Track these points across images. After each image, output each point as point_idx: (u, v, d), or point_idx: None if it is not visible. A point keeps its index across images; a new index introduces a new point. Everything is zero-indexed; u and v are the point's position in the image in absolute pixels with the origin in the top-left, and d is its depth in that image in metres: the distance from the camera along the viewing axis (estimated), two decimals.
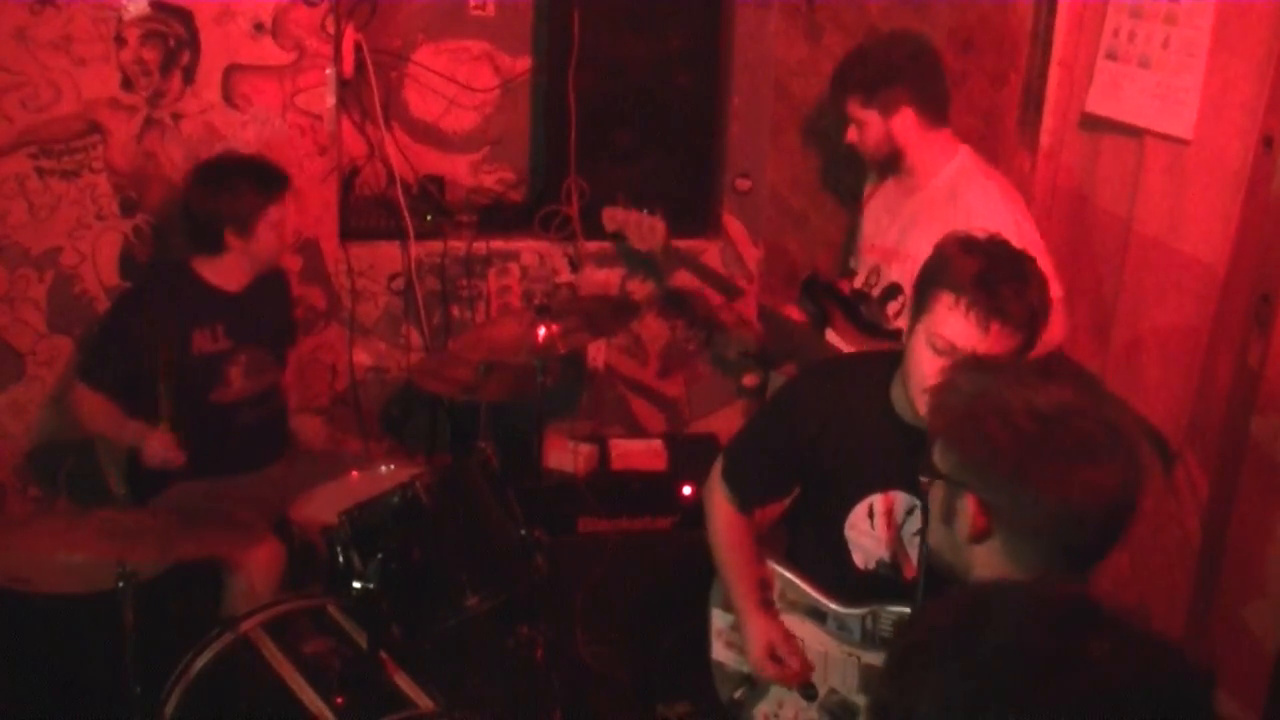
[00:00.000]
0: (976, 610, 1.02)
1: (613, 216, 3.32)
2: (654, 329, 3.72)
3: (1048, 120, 3.13)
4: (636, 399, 3.77)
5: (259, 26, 3.10)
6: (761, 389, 3.74)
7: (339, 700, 2.21)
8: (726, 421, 3.73)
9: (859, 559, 2.24)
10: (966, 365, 1.69)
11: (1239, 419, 2.34)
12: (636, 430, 3.75)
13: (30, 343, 3.16)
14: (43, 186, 3.05)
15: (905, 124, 2.79)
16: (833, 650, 2.20)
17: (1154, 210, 2.62)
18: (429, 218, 3.48)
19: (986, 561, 1.45)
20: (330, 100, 3.21)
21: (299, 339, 3.31)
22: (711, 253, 3.64)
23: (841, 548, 2.24)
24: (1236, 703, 2.33)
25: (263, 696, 2.26)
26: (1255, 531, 2.32)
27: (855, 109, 2.84)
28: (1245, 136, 2.33)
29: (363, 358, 3.53)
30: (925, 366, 1.95)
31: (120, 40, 3.00)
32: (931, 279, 1.98)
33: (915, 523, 2.15)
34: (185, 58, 3.07)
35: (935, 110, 2.81)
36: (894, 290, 2.84)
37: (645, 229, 3.26)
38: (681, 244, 3.42)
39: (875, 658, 2.14)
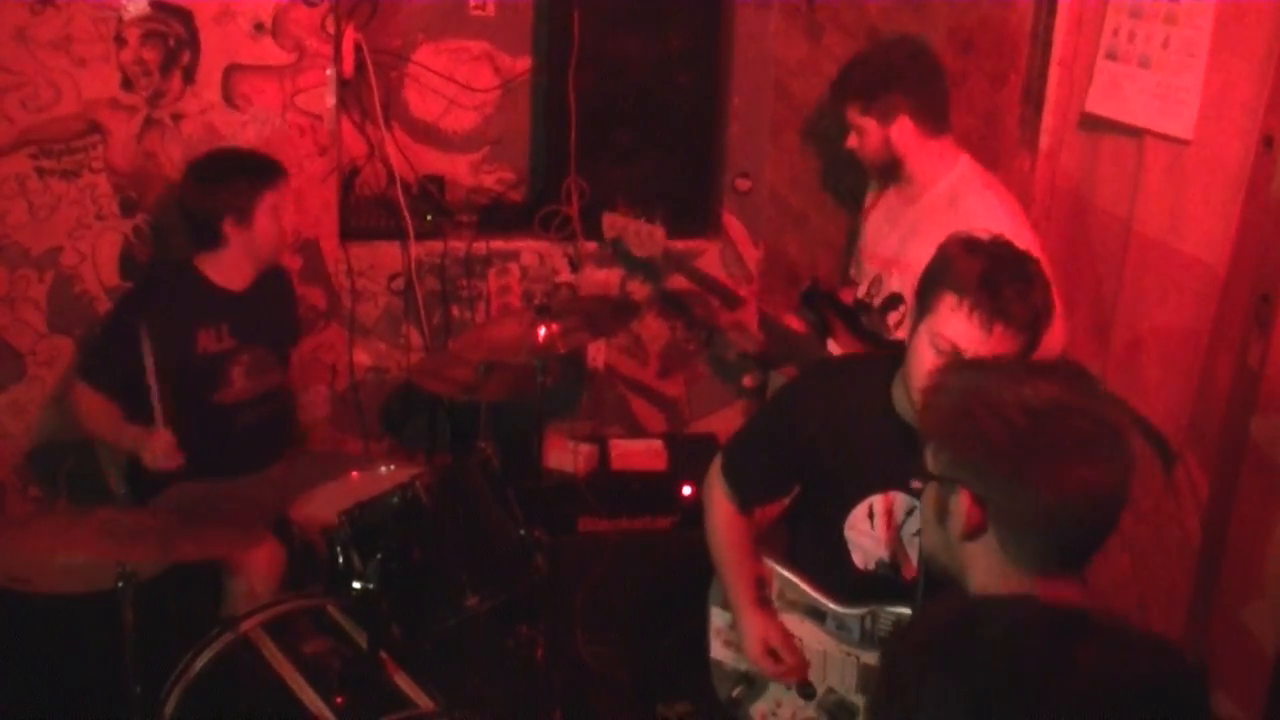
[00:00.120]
0: (967, 622, 1.03)
1: (612, 224, 3.32)
2: (654, 329, 3.72)
3: (1048, 120, 3.12)
4: (636, 399, 3.78)
5: (259, 26, 3.10)
6: (761, 389, 3.74)
7: (339, 700, 2.21)
8: (726, 421, 3.73)
9: (858, 559, 2.24)
10: (957, 366, 1.69)
11: (1239, 419, 2.34)
12: (636, 430, 3.75)
13: (30, 343, 3.16)
14: (43, 186, 3.05)
15: (903, 132, 2.78)
16: (831, 650, 2.20)
17: (1154, 210, 2.62)
18: (429, 218, 3.48)
19: (981, 559, 1.45)
20: (330, 100, 3.22)
21: (301, 339, 3.32)
22: (711, 253, 3.64)
23: (841, 548, 2.24)
24: (1236, 704, 2.33)
25: (263, 696, 2.26)
26: (1255, 531, 2.32)
27: (854, 116, 2.84)
28: (1245, 136, 2.33)
29: (363, 358, 3.53)
30: (927, 367, 1.95)
31: (120, 40, 3.00)
32: (935, 280, 1.98)
33: (915, 523, 2.15)
34: (185, 58, 3.07)
35: (934, 119, 2.80)
36: (895, 300, 2.84)
37: (644, 236, 3.26)
38: (681, 244, 3.42)
39: (874, 658, 2.14)
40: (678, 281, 3.58)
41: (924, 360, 1.97)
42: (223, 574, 2.72)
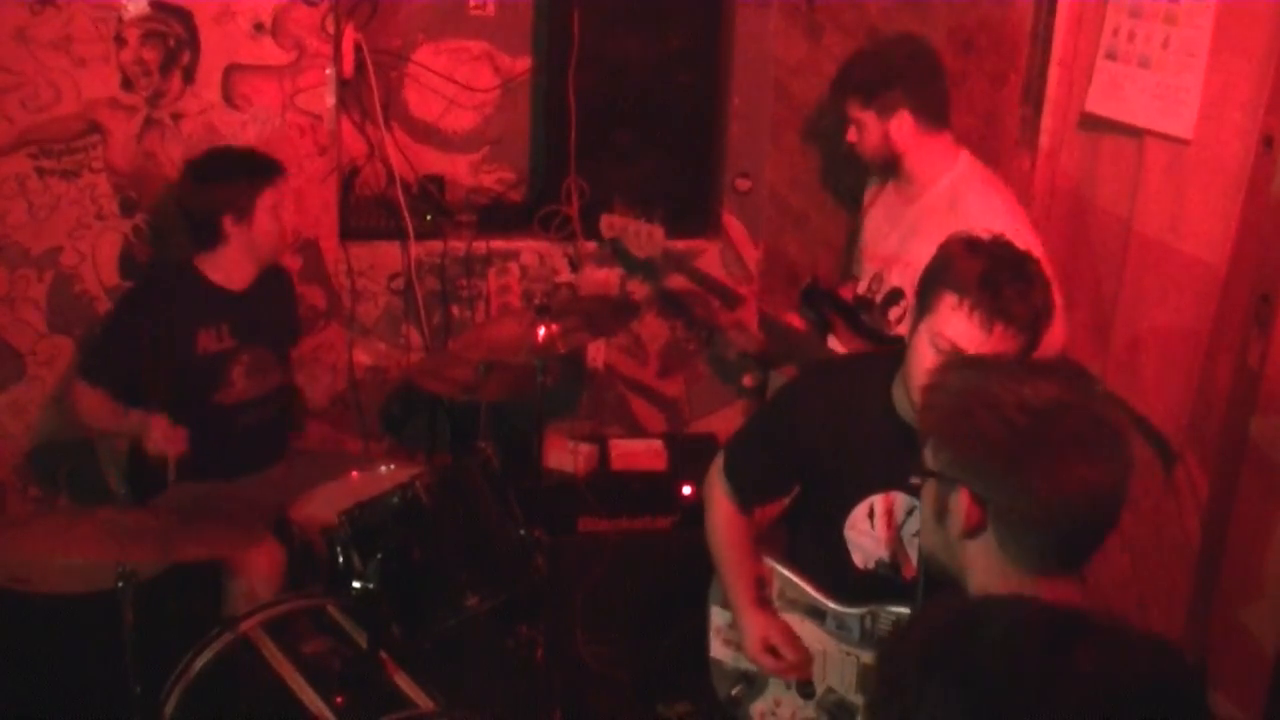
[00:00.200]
0: (965, 623, 1.03)
1: (610, 224, 3.31)
2: (654, 329, 3.72)
3: (1047, 120, 3.13)
4: (636, 399, 3.77)
5: (259, 26, 3.10)
6: (761, 389, 3.74)
7: (339, 700, 2.21)
8: (726, 421, 3.73)
9: (858, 559, 2.24)
10: (957, 364, 1.69)
11: (1239, 419, 2.34)
12: (636, 430, 3.75)
13: (30, 343, 3.16)
14: (43, 186, 3.05)
15: (903, 127, 2.79)
16: (831, 649, 2.20)
17: (1154, 210, 2.62)
18: (429, 218, 3.48)
19: (980, 559, 1.45)
20: (330, 100, 3.22)
21: (301, 339, 3.32)
22: (711, 253, 3.64)
23: (841, 547, 2.24)
24: (1235, 704, 2.33)
25: (263, 696, 2.26)
26: (1255, 532, 2.32)
27: (854, 110, 2.85)
28: (1245, 136, 2.33)
29: (363, 358, 3.53)
30: (927, 366, 1.95)
31: (120, 40, 3.00)
32: (935, 279, 1.98)
33: (915, 523, 2.15)
34: (185, 58, 3.07)
35: (933, 114, 2.80)
36: (896, 295, 2.84)
37: (644, 236, 3.26)
38: (681, 244, 3.42)
39: (873, 657, 2.14)
40: (678, 281, 3.58)
41: (924, 359, 1.96)
42: (223, 574, 2.72)
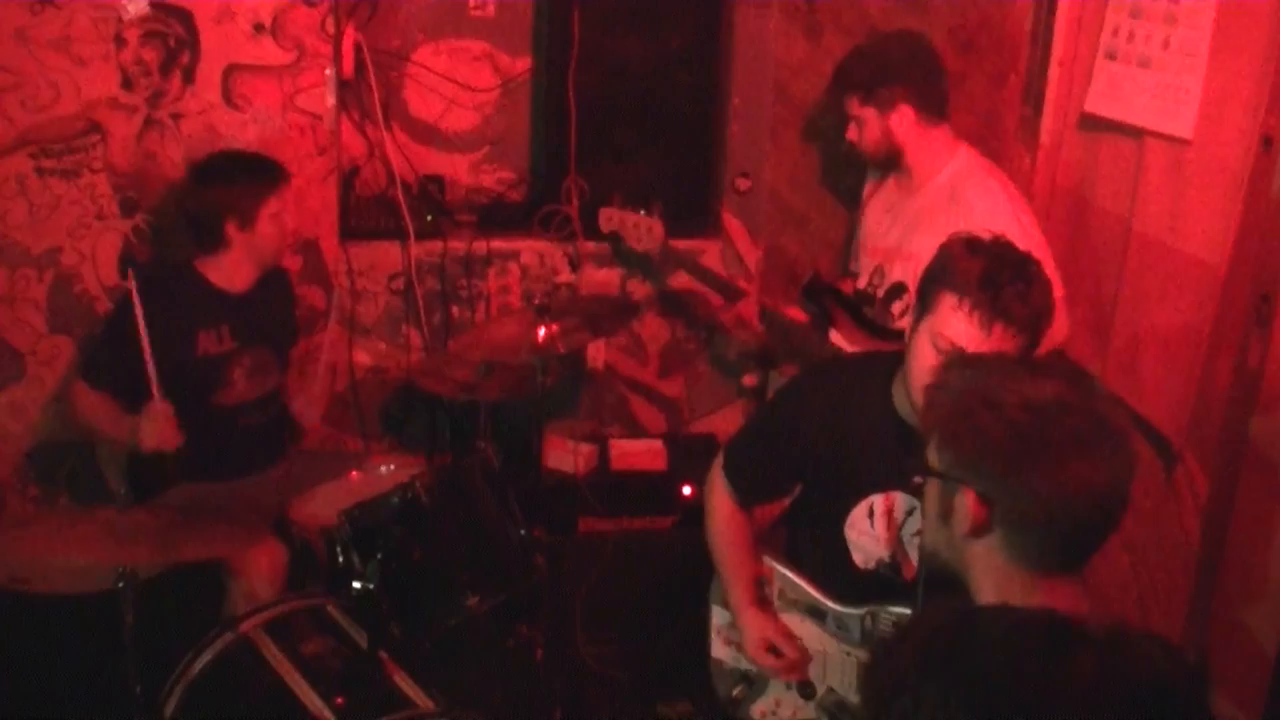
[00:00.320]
0: (961, 632, 1.02)
1: (609, 217, 3.31)
2: (654, 329, 3.72)
3: (1047, 120, 3.13)
4: (636, 399, 3.77)
5: (259, 26, 3.10)
6: (761, 389, 3.74)
7: (339, 700, 2.21)
8: (726, 421, 3.73)
9: (859, 559, 2.24)
10: (958, 364, 1.69)
11: (1239, 419, 2.34)
12: (636, 430, 3.75)
13: (30, 343, 3.16)
14: (43, 186, 3.05)
15: (903, 121, 2.79)
16: (831, 649, 2.20)
17: (1154, 210, 2.62)
18: (429, 218, 3.48)
19: (984, 558, 1.45)
20: (330, 100, 3.21)
21: (300, 340, 3.31)
22: (711, 252, 3.63)
23: (841, 547, 2.24)
24: (1235, 704, 2.33)
25: (263, 696, 2.26)
26: (1255, 532, 2.32)
27: (854, 107, 2.85)
28: (1245, 136, 2.33)
29: (363, 358, 3.53)
30: (928, 366, 1.95)
31: (120, 40, 3.00)
32: (935, 279, 1.98)
33: (915, 523, 2.15)
34: (185, 58, 3.07)
35: (933, 108, 2.81)
36: (899, 289, 2.84)
37: (643, 230, 3.25)
38: (681, 244, 3.42)
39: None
40: (678, 281, 3.58)
41: (924, 359, 1.97)
42: (223, 574, 2.72)
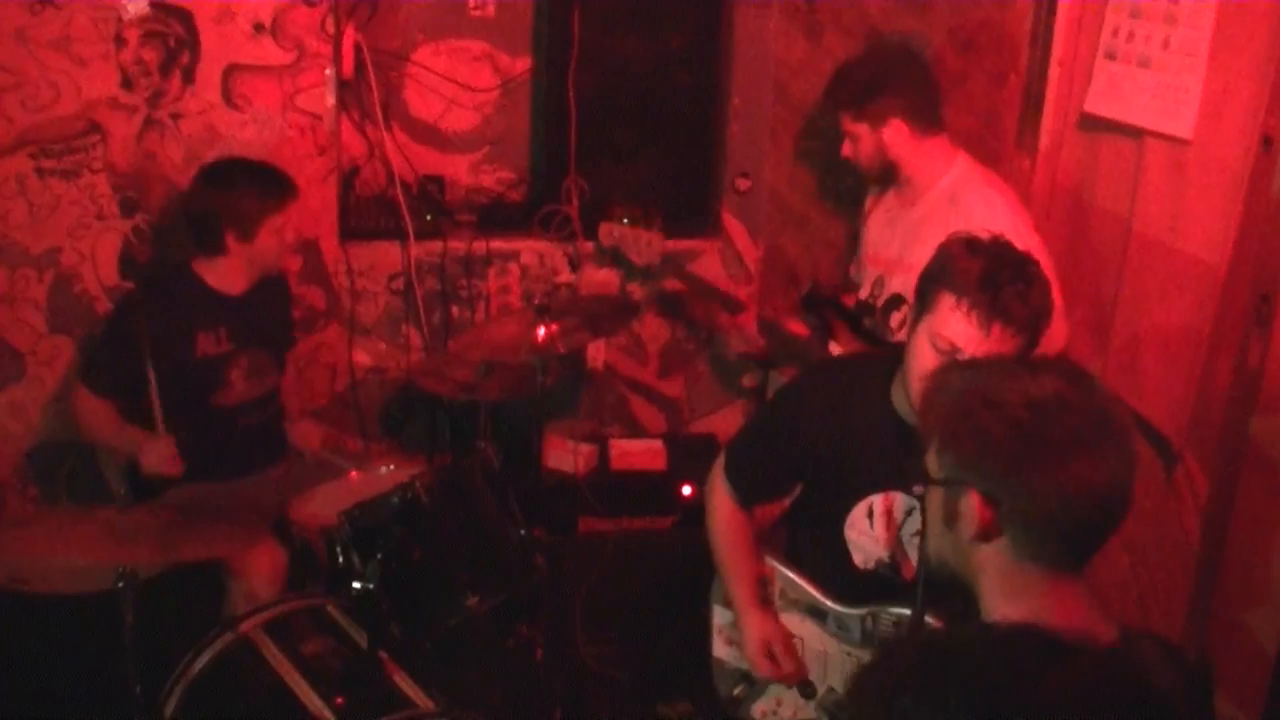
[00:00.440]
0: (949, 651, 1.02)
1: (609, 232, 3.32)
2: (654, 329, 3.72)
3: (1047, 120, 3.13)
4: (636, 399, 3.77)
5: (259, 26, 3.10)
6: (761, 389, 3.74)
7: (339, 700, 2.21)
8: (726, 421, 3.73)
9: (858, 559, 2.24)
10: (955, 364, 1.69)
11: (1239, 419, 2.34)
12: (636, 430, 3.75)
13: (30, 343, 3.16)
14: (43, 186, 3.05)
15: (896, 135, 2.78)
16: (832, 649, 2.20)
17: (1154, 210, 2.62)
18: (429, 218, 3.48)
19: (992, 561, 1.44)
20: (330, 100, 3.21)
21: (297, 342, 3.31)
22: (711, 253, 3.64)
23: (841, 548, 2.24)
24: (1235, 704, 2.33)
25: (263, 696, 2.26)
26: (1255, 532, 2.32)
27: (846, 123, 2.85)
28: (1245, 136, 2.33)
29: (363, 358, 3.53)
30: (927, 366, 1.95)
31: (120, 40, 3.00)
32: (934, 279, 1.98)
33: (915, 523, 2.15)
34: (185, 58, 3.07)
35: (926, 119, 2.80)
36: (897, 301, 2.84)
37: (642, 244, 3.26)
38: (681, 244, 3.42)
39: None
40: (677, 284, 3.58)
41: (924, 359, 1.97)
42: (223, 574, 2.72)
